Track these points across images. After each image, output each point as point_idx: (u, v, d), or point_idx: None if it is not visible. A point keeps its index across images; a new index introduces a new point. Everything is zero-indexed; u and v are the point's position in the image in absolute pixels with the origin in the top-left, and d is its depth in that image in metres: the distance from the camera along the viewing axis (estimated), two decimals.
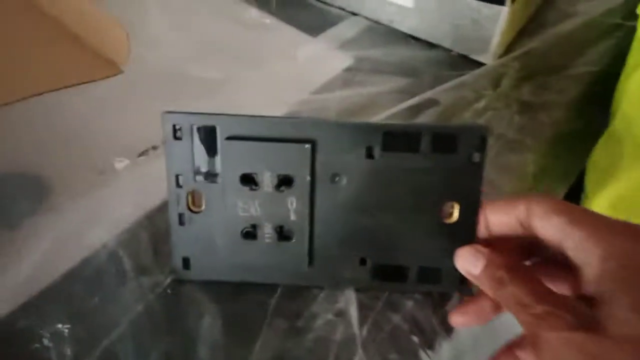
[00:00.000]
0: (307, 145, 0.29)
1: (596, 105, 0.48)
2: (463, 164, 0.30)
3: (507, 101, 0.45)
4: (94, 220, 0.35)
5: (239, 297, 0.32)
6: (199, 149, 0.30)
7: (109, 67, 0.39)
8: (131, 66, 0.41)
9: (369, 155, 0.29)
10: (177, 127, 0.29)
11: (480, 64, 0.48)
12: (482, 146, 0.29)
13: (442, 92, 0.44)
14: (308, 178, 0.30)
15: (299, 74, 0.48)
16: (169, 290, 0.32)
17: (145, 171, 0.38)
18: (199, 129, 0.29)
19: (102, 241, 0.34)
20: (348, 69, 0.48)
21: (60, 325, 0.30)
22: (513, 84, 0.46)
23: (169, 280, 0.32)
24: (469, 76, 0.46)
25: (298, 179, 0.30)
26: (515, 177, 0.40)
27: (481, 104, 0.44)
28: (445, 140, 0.29)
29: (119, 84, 0.41)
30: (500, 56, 0.49)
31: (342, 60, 0.49)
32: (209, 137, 0.29)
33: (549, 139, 0.43)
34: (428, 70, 0.47)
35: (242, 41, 0.50)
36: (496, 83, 0.46)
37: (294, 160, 0.29)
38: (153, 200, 0.36)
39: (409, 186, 0.30)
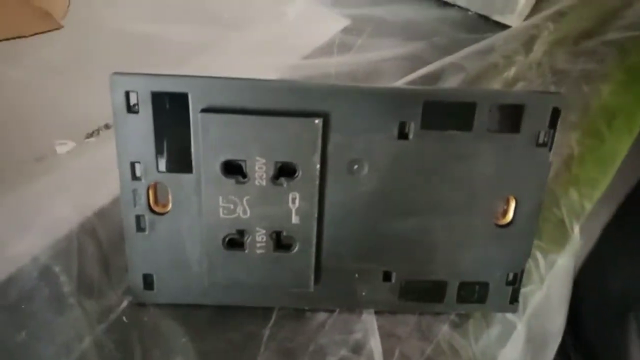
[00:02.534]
0: (317, 121, 0.21)
1: None
2: (526, 146, 0.22)
3: (540, 69, 0.37)
4: (23, 223, 0.26)
5: (221, 328, 0.24)
6: (164, 126, 0.21)
7: (44, 21, 0.30)
8: (81, 24, 0.34)
9: (402, 134, 0.21)
10: (132, 95, 0.21)
11: (503, 26, 0.40)
12: (553, 122, 0.22)
13: (465, 57, 0.36)
14: (317, 166, 0.21)
15: (288, 35, 0.39)
16: (124, 318, 0.24)
17: (95, 157, 0.30)
18: (162, 97, 0.21)
19: (33, 252, 0.25)
20: (346, 31, 0.39)
21: None
22: (546, 49, 0.38)
23: (124, 304, 0.24)
24: (495, 38, 0.38)
25: (303, 168, 0.21)
26: (558, 161, 0.32)
27: (511, 72, 0.36)
28: (507, 113, 0.21)
29: (64, 47, 0.34)
30: (527, 17, 0.41)
31: (338, 21, 0.40)
32: (177, 108, 0.21)
33: (594, 115, 0.35)
34: (442, 34, 0.39)
35: None
36: (528, 47, 0.38)
37: (298, 141, 0.21)
38: (104, 196, 0.28)
39: (453, 177, 0.22)
